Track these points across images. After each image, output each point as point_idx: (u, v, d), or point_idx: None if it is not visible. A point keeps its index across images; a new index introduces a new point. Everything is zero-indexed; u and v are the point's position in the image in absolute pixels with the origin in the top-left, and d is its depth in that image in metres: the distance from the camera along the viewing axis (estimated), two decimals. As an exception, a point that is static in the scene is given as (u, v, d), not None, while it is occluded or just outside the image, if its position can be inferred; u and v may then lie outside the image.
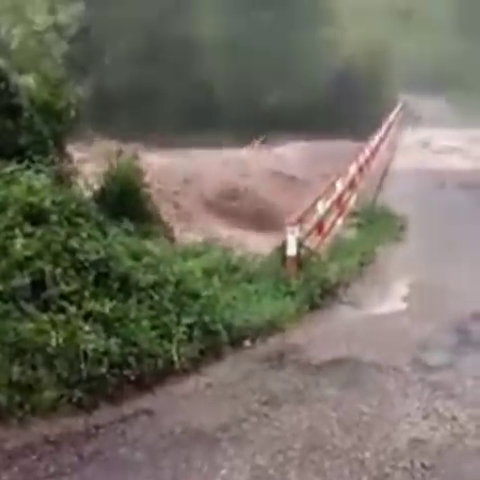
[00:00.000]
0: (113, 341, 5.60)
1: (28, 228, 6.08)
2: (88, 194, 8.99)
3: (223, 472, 4.43)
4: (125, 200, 9.51)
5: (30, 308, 5.57)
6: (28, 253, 5.81)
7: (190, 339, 6.19)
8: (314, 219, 10.37)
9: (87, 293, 5.87)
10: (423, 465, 4.50)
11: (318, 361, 6.40)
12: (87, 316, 5.73)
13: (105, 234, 6.67)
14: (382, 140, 25.68)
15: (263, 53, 35.06)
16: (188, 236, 11.74)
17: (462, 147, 26.89)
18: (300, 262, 8.75)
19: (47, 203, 6.34)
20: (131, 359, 5.62)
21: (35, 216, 6.24)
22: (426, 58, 46.06)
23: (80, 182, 9.28)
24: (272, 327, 7.16)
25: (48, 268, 5.78)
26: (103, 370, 5.41)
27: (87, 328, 5.59)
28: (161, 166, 18.22)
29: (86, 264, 6.04)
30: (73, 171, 9.55)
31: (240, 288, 7.87)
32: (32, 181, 6.64)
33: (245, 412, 5.27)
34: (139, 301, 6.20)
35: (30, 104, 8.65)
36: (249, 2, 36.13)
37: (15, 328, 5.38)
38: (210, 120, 31.60)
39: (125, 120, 31.69)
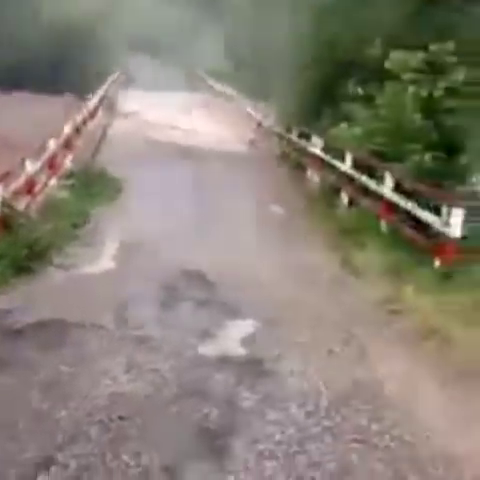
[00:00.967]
0: None
1: None
2: None
3: None
4: None
5: None
6: None
7: None
8: (22, 178, 9.82)
9: None
10: (120, 417, 4.58)
11: (21, 325, 6.14)
12: None
13: None
14: (101, 101, 25.40)
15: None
16: None
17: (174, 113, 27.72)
18: (6, 223, 8.25)
19: None
20: None
21: None
22: (145, 24, 46.67)
23: None
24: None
25: None
26: None
27: None
28: None
29: None
30: None
31: None
32: None
33: None
34: None
35: None
36: None
37: None
38: None
39: None
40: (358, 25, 13.36)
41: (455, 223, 7.85)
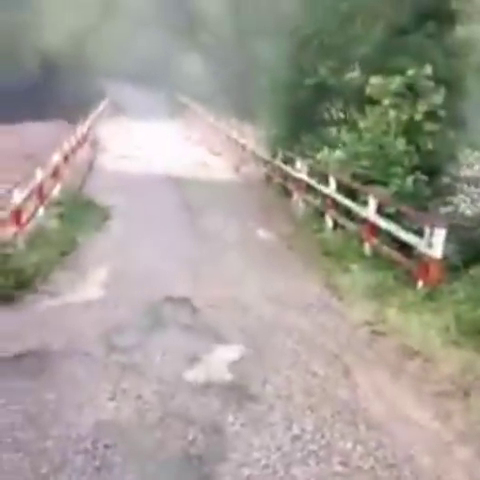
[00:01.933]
0: None
1: None
2: None
3: None
4: None
5: None
6: None
7: None
8: (9, 208, 9.88)
9: None
10: (105, 445, 4.61)
11: (6, 354, 6.15)
12: None
13: None
14: (89, 130, 25.58)
15: None
16: None
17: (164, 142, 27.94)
18: (-9, 253, 8.30)
19: None
20: None
21: None
22: (131, 51, 47.12)
23: None
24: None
25: None
26: None
27: None
28: None
29: None
30: None
31: None
32: None
33: None
34: None
35: None
36: None
37: None
38: None
39: None
40: (336, 51, 13.64)
41: (437, 243, 7.99)
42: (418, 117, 11.47)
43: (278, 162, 17.11)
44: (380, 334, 6.91)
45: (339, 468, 4.50)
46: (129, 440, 4.72)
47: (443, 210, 10.39)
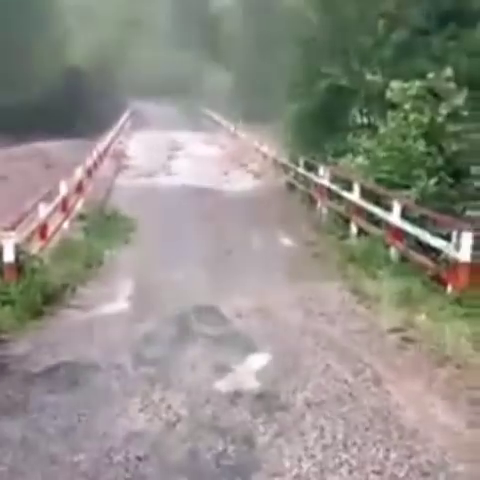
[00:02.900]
0: None
1: None
2: None
3: None
4: None
5: None
6: None
7: None
8: (35, 223, 10.00)
9: None
10: (137, 457, 4.62)
11: (40, 368, 6.21)
12: None
13: None
14: (112, 143, 25.83)
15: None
16: None
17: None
18: (20, 268, 8.40)
19: None
20: None
21: None
22: (155, 66, 47.70)
23: None
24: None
25: None
26: None
27: None
28: None
29: None
30: None
31: None
32: None
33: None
34: None
35: None
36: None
37: None
38: None
39: None
40: (357, 54, 13.61)
41: (465, 247, 7.88)
42: (440, 119, 11.37)
43: (300, 169, 17.10)
44: (410, 341, 6.84)
45: (373, 477, 4.44)
46: (160, 452, 4.72)
47: (471, 213, 10.24)
